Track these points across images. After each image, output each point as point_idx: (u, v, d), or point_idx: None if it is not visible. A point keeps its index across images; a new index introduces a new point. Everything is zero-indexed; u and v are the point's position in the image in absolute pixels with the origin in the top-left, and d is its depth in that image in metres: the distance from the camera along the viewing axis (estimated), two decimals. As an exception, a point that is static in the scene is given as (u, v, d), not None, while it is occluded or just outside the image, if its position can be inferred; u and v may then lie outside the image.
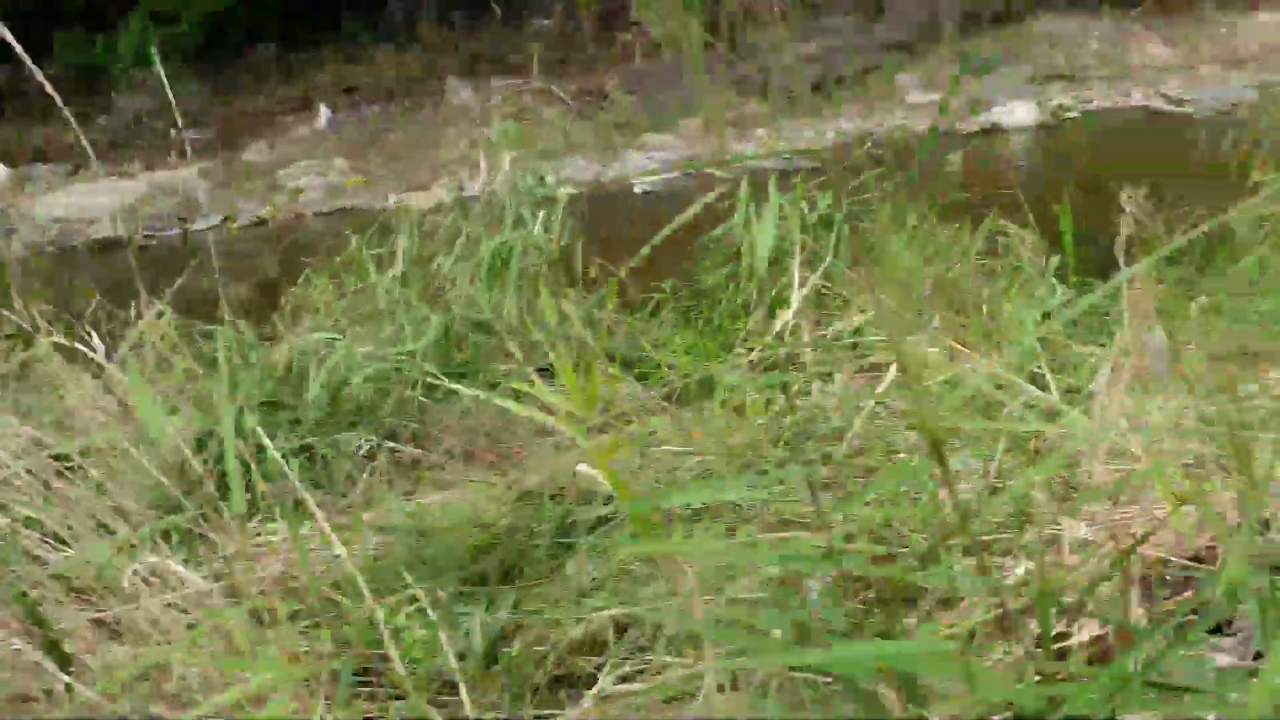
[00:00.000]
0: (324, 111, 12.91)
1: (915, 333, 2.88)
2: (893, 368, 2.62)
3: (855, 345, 3.25)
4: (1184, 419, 1.99)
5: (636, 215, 9.44)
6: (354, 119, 12.86)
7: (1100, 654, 1.50)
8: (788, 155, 11.38)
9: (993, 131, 11.59)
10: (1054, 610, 1.36)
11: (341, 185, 11.43)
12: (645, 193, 10.45)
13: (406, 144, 12.41)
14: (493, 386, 3.47)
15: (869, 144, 11.22)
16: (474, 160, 12.46)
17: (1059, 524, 1.79)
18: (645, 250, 3.13)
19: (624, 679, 1.72)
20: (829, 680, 1.38)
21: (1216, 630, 1.57)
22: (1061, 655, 1.47)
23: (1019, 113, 11.60)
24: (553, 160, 11.91)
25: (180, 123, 12.51)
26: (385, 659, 1.60)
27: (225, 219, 10.86)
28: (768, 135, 12.37)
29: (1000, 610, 1.43)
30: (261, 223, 10.80)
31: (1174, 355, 2.04)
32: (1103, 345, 2.80)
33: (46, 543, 1.97)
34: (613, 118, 12.92)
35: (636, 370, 3.77)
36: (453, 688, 1.61)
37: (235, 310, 3.34)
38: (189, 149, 12.48)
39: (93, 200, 11.23)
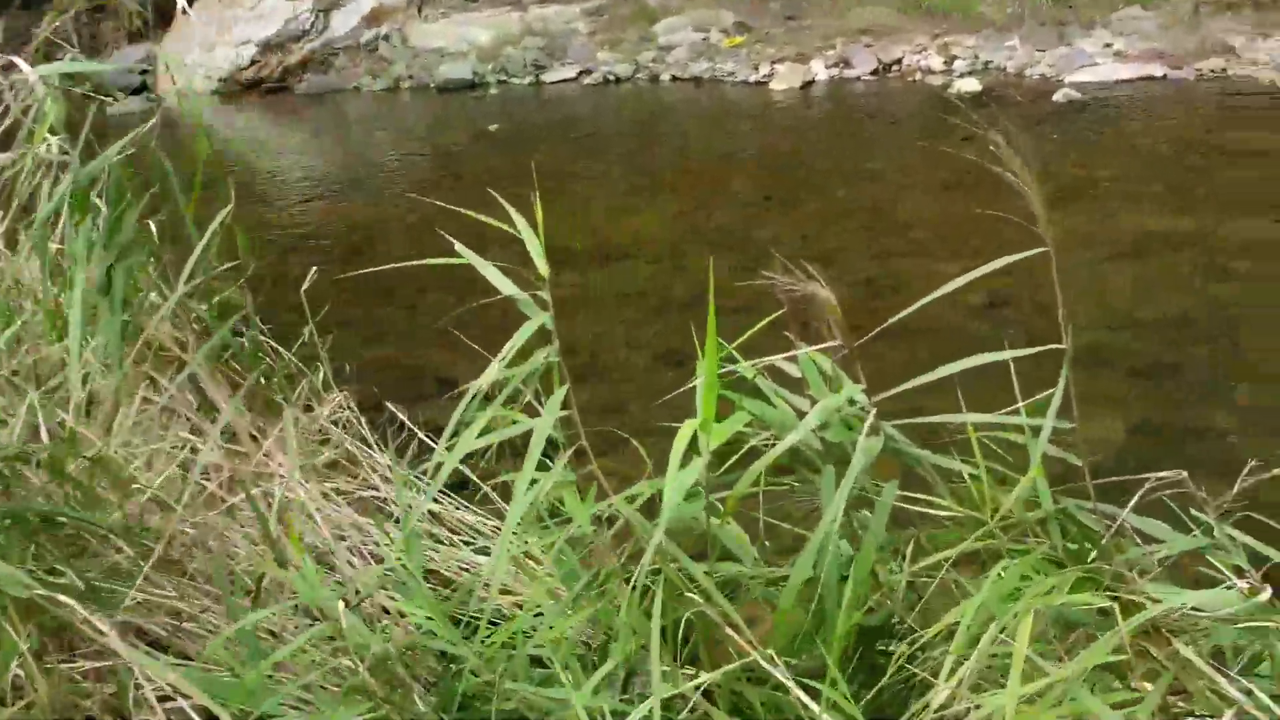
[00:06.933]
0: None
1: None
2: None
3: None
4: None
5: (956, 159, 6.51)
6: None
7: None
8: None
9: None
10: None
11: (717, 45, 9.71)
12: (1069, 100, 7.53)
13: (820, -3, 10.26)
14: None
15: None
16: (892, 27, 10.01)
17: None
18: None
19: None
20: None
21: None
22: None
23: None
24: (983, 36, 9.19)
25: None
26: None
27: (580, 73, 9.69)
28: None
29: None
30: (613, 80, 9.50)
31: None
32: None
33: None
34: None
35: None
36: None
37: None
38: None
39: (469, 33, 10.57)
